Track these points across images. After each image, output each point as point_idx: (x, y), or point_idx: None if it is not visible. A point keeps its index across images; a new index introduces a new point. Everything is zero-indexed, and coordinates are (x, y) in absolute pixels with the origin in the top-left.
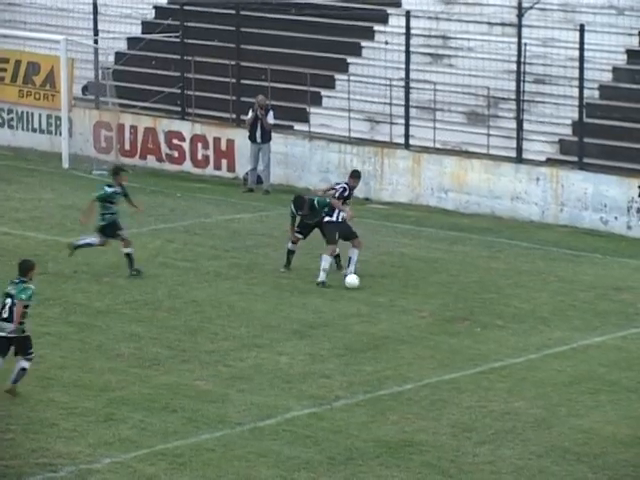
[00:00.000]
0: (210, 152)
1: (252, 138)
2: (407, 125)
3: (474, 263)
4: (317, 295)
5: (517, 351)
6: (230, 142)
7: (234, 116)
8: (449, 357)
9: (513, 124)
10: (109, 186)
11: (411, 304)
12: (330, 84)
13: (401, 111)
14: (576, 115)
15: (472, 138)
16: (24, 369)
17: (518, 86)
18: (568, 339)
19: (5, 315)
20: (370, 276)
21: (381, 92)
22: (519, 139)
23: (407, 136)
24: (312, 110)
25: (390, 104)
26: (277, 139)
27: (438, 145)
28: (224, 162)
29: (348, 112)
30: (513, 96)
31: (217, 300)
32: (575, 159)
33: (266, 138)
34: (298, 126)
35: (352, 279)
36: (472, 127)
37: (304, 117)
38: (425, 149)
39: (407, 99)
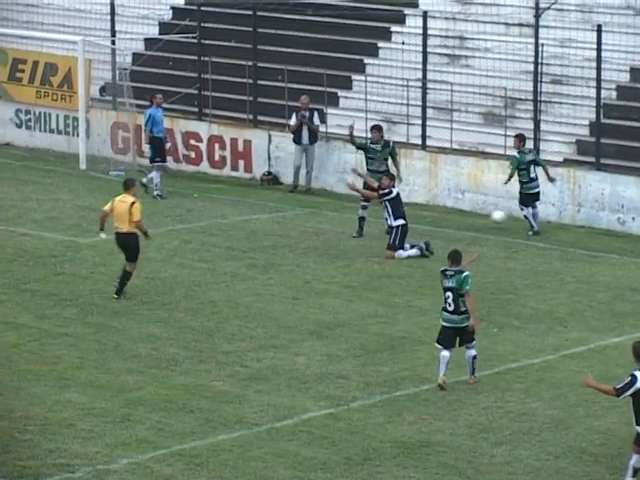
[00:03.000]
0: (227, 153)
1: (297, 140)
2: (424, 126)
3: (491, 264)
4: (334, 296)
5: (534, 352)
6: (247, 143)
7: (251, 117)
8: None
9: (530, 125)
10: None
11: (428, 305)
12: (347, 85)
13: (418, 112)
14: (593, 116)
15: (489, 139)
16: (475, 357)
17: (535, 87)
18: (585, 340)
19: (450, 308)
20: (387, 277)
21: (398, 93)
22: (536, 140)
23: (424, 137)
24: (329, 111)
25: (407, 105)
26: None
27: (455, 146)
28: (241, 163)
29: (365, 113)
30: (530, 97)
31: (234, 301)
32: (592, 160)
33: (313, 139)
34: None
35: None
36: (489, 128)
37: (321, 118)
38: (442, 150)
39: (424, 99)
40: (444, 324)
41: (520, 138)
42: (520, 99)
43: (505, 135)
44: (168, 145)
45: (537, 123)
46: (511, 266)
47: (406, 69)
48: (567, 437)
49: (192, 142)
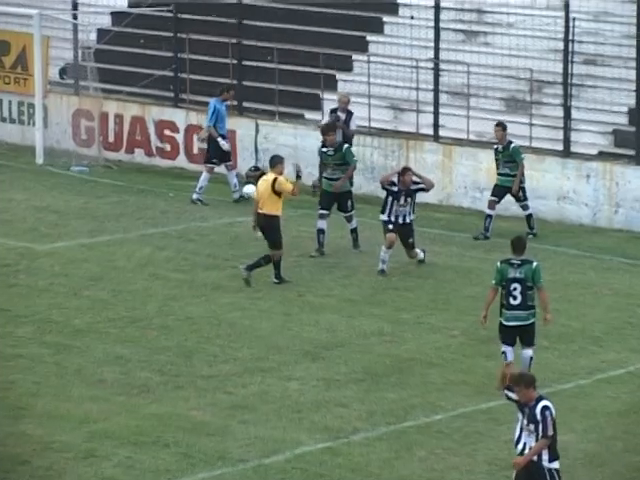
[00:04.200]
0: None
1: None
2: (436, 113)
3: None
4: (331, 311)
5: (565, 375)
6: (231, 133)
7: (235, 103)
8: (485, 383)
9: (560, 112)
10: None
11: (441, 321)
12: (347, 66)
13: (429, 97)
14: (633, 101)
15: (512, 128)
16: (532, 358)
17: (565, 68)
18: (624, 362)
19: (516, 302)
20: (394, 289)
21: (406, 75)
22: (567, 129)
23: (436, 126)
24: (326, 96)
25: (417, 89)
26: (285, 130)
27: (472, 137)
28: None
29: (368, 98)
30: (560, 79)
31: (216, 317)
32: (632, 152)
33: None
34: (310, 114)
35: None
36: (512, 115)
37: (316, 104)
38: (457, 141)
39: (436, 83)
40: (506, 323)
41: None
42: (548, 82)
43: (530, 124)
44: (227, 145)
45: (567, 110)
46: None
47: (415, 47)
48: (603, 474)
49: (167, 132)
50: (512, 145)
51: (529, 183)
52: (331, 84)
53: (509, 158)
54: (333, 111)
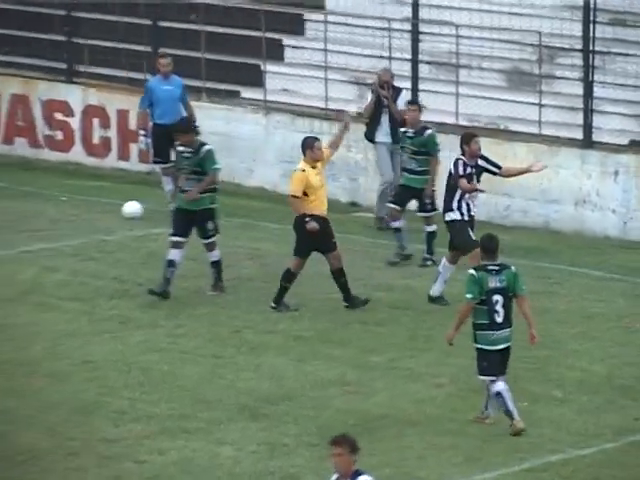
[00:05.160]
0: (112, 133)
1: (371, 135)
2: (415, 90)
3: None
4: (277, 352)
5: (585, 437)
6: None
7: (149, 76)
8: (480, 447)
9: (579, 88)
10: None
11: (422, 366)
12: (296, 28)
13: (406, 69)
14: None
15: (515, 110)
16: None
17: (586, 30)
18: None
19: (500, 319)
20: (360, 323)
21: (375, 40)
22: (588, 111)
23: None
24: (269, 68)
25: (389, 58)
26: (215, 112)
27: (463, 121)
28: (134, 148)
29: (324, 71)
30: (578, 46)
31: (124, 361)
32: None
33: (398, 134)
34: (247, 92)
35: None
36: (515, 93)
37: (256, 79)
38: (443, 127)
39: (415, 51)
40: (493, 347)
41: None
42: (563, 49)
43: (540, 105)
44: (144, 142)
45: (589, 86)
46: (550, 305)
47: (387, 4)
48: None
49: (58, 117)
50: (428, 132)
51: (538, 182)
52: (276, 52)
53: (421, 148)
54: (374, 92)
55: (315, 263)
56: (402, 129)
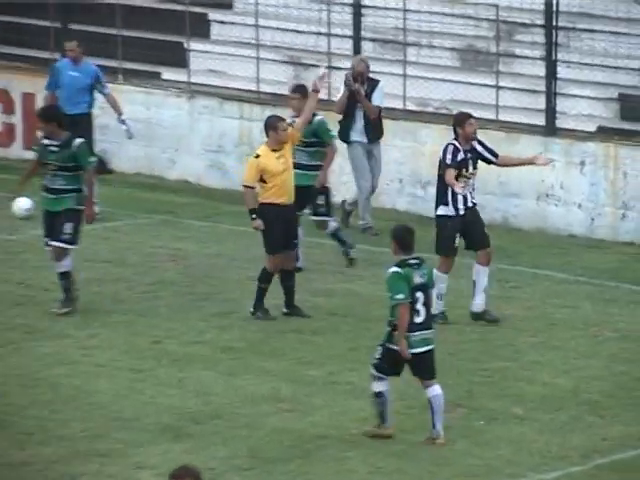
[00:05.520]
0: (16, 118)
1: (345, 134)
2: None
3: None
4: (203, 365)
5: (548, 460)
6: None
7: (58, 56)
8: (430, 471)
9: (540, 69)
10: None
11: (365, 380)
12: (224, 1)
13: (347, 47)
14: None
15: (470, 93)
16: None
17: (548, 4)
18: (636, 438)
19: (420, 318)
20: (295, 332)
21: (312, 14)
22: (550, 94)
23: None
24: (193, 46)
25: (328, 35)
26: (133, 96)
27: (411, 105)
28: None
29: (256, 49)
30: (540, 21)
31: (29, 375)
32: None
33: (375, 133)
34: (169, 74)
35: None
36: (469, 74)
37: (179, 58)
38: (389, 112)
39: (357, 27)
40: (413, 350)
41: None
42: (522, 24)
43: (497, 87)
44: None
45: (552, 65)
46: (509, 312)
47: None
48: None
49: None
50: (317, 118)
51: (495, 173)
52: (201, 28)
53: (311, 138)
54: (347, 81)
55: (244, 263)
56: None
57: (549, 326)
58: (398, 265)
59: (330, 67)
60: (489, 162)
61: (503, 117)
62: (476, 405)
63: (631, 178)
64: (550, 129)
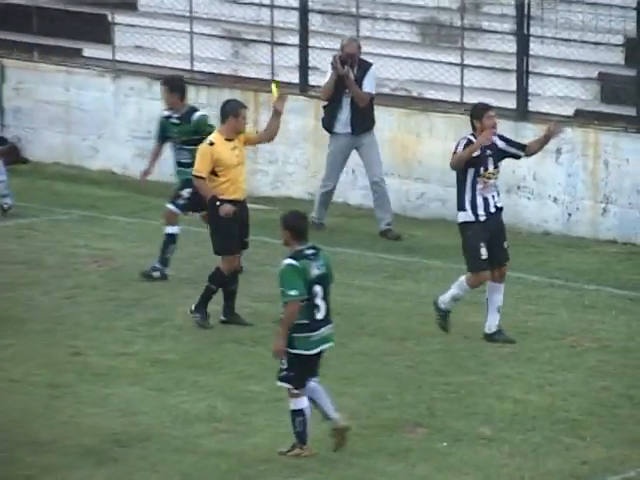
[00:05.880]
0: None
1: (330, 123)
2: (304, 47)
3: (434, 314)
4: (130, 379)
5: None
6: None
7: None
8: None
9: (511, 45)
10: None
11: None
12: None
13: (292, 20)
14: (632, 25)
15: (432, 72)
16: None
17: None
18: (619, 462)
19: (320, 315)
20: (235, 342)
21: None
22: (522, 74)
23: (304, 69)
24: (118, 19)
25: (271, 7)
26: (51, 76)
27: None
28: None
29: (189, 23)
30: None
31: None
32: (632, 112)
33: (365, 123)
34: (91, 51)
35: None
36: (431, 51)
37: (103, 33)
38: None
39: None
40: (307, 352)
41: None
42: None
43: (462, 65)
44: None
45: (524, 41)
46: (476, 319)
47: None
48: None
49: None
50: (197, 114)
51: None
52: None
53: (192, 135)
54: (335, 63)
55: (177, 264)
56: (165, 113)
57: (521, 335)
58: (293, 257)
59: (273, 43)
60: (517, 157)
61: (469, 99)
62: (438, 424)
63: (613, 168)
64: (522, 113)
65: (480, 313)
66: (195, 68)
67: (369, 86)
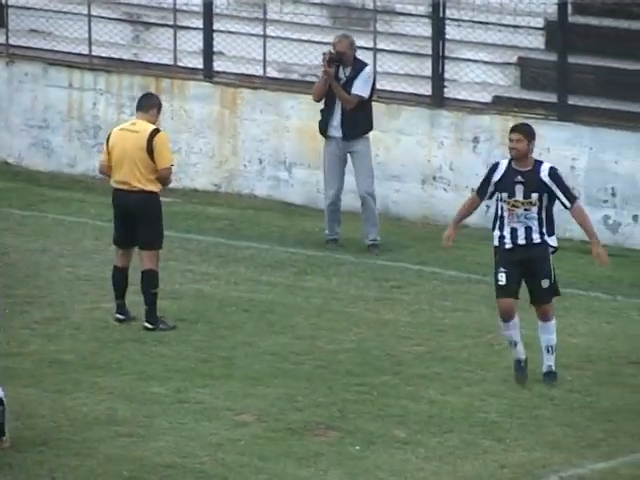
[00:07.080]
0: None
1: (324, 126)
2: (209, 32)
3: (350, 312)
4: (26, 380)
5: None
6: None
7: None
8: None
9: (426, 28)
10: None
11: (221, 399)
12: None
13: (196, 2)
14: (553, 8)
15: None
16: None
17: None
18: (539, 465)
19: None
20: (135, 341)
21: None
22: (437, 59)
23: (209, 54)
24: (11, 1)
25: None
26: None
27: (273, 72)
28: None
29: (87, 5)
30: None
31: None
32: (553, 99)
33: (357, 128)
34: None
35: None
36: (343, 32)
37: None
38: (246, 79)
39: None
40: None
41: None
42: None
43: (374, 49)
44: None
45: (439, 24)
46: (390, 316)
47: None
48: None
49: None
50: None
51: (372, 152)
52: None
53: None
54: (332, 60)
55: (75, 260)
56: None
57: (437, 333)
58: None
59: (176, 26)
60: (563, 205)
61: (382, 85)
62: (350, 427)
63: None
64: (437, 100)
65: (393, 309)
66: (94, 53)
67: (359, 88)
